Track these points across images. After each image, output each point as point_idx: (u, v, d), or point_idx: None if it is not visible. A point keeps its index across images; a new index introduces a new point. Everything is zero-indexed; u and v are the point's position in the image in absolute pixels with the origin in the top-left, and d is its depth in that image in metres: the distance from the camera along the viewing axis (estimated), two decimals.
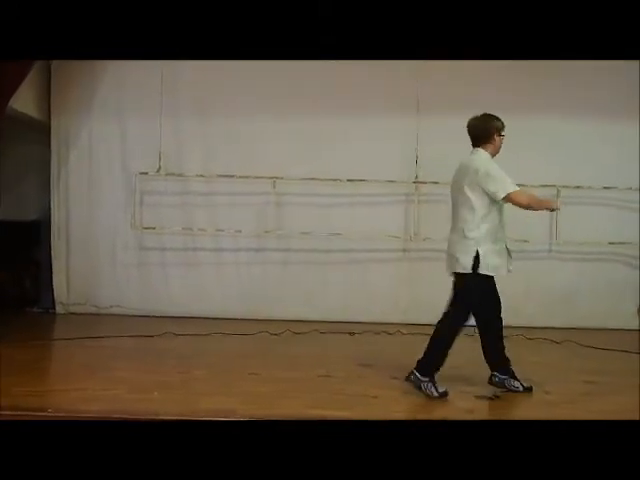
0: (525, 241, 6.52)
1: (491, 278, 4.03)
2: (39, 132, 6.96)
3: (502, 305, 4.79)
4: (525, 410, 3.65)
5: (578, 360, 5.19)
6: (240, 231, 6.79)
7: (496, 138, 4.07)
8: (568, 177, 6.52)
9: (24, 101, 6.34)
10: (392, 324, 6.34)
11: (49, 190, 7.01)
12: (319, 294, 6.75)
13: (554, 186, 6.51)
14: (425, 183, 6.55)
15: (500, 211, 4.03)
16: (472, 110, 6.42)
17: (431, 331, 5.37)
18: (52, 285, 6.98)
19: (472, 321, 5.03)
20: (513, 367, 4.23)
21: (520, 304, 6.59)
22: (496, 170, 3.98)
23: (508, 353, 4.29)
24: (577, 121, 6.57)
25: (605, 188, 6.56)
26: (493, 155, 4.11)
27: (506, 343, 5.72)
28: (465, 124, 4.92)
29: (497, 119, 4.12)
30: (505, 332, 6.03)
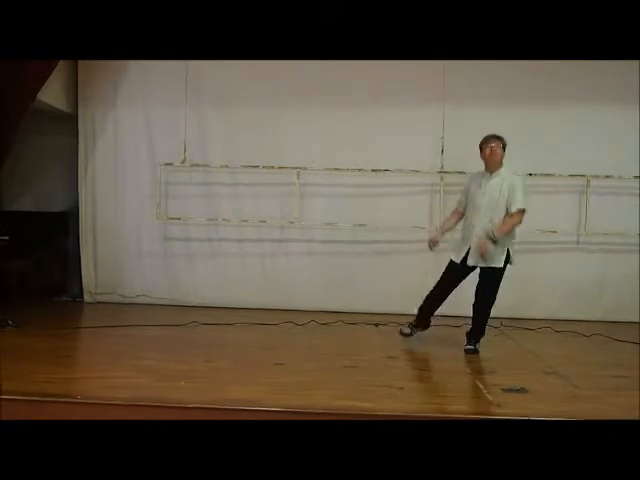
0: (553, 232, 6.44)
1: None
2: (68, 124, 7.03)
3: (529, 297, 5.16)
4: (553, 404, 3.58)
5: (607, 354, 5.10)
6: (264, 222, 6.80)
7: (483, 151, 4.83)
8: (598, 167, 6.39)
9: (52, 93, 6.40)
10: None
11: (77, 181, 7.10)
12: (343, 285, 6.73)
13: (584, 176, 6.40)
14: (450, 173, 6.48)
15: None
16: (499, 100, 6.38)
17: (457, 322, 5.46)
18: (80, 274, 7.07)
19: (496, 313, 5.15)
20: (540, 360, 4.60)
21: (547, 296, 6.51)
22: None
23: (535, 346, 4.82)
24: (607, 110, 6.42)
25: (635, 177, 6.40)
26: (487, 167, 4.87)
27: (533, 335, 5.73)
28: (490, 114, 4.97)
29: (483, 139, 4.85)
30: (532, 324, 6.06)
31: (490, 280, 4.73)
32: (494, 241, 4.61)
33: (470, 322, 4.96)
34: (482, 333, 4.89)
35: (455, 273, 4.89)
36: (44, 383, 3.59)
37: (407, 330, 5.18)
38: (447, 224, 5.15)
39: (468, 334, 4.93)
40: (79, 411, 3.11)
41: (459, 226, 5.12)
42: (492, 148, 4.75)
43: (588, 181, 6.40)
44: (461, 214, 5.03)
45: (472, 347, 4.82)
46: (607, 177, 6.42)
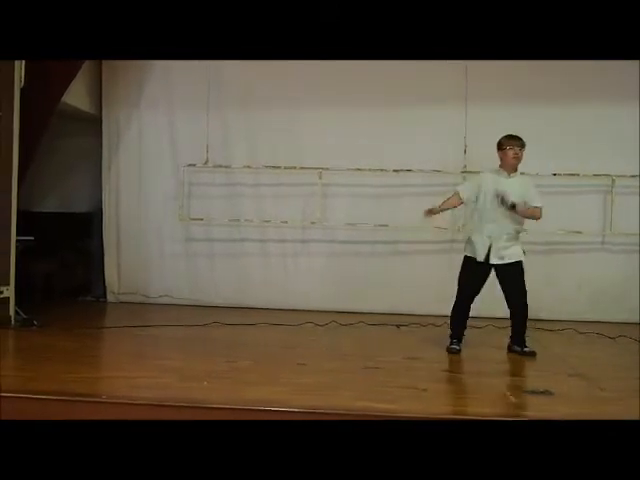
0: (578, 232, 6.37)
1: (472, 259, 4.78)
2: (92, 125, 7.13)
3: (552, 298, 4.97)
4: (576, 407, 3.54)
5: (632, 355, 5.02)
6: (286, 222, 6.82)
7: (504, 152, 4.70)
8: (623, 166, 6.31)
9: (76, 95, 6.50)
10: (439, 316, 6.25)
11: (101, 182, 7.18)
12: (365, 285, 6.72)
13: (609, 176, 6.32)
14: (473, 173, 6.43)
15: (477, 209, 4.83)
16: (522, 99, 6.32)
17: (478, 323, 5.44)
18: (104, 275, 7.17)
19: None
20: (564, 361, 4.59)
21: (572, 297, 6.44)
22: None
23: (559, 348, 4.75)
24: (632, 109, 6.33)
25: None
26: (504, 167, 4.75)
27: (557, 337, 5.66)
28: (514, 114, 4.86)
29: (505, 137, 4.72)
30: (556, 326, 5.98)
31: (521, 273, 4.71)
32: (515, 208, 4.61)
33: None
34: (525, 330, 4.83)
35: (479, 273, 4.78)
36: (72, 383, 3.63)
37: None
38: (446, 205, 4.95)
39: (514, 336, 4.84)
40: (105, 411, 3.15)
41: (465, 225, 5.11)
42: (517, 153, 4.68)
43: (613, 181, 6.32)
44: (460, 203, 4.93)
45: (520, 349, 4.75)
46: (632, 177, 6.33)
